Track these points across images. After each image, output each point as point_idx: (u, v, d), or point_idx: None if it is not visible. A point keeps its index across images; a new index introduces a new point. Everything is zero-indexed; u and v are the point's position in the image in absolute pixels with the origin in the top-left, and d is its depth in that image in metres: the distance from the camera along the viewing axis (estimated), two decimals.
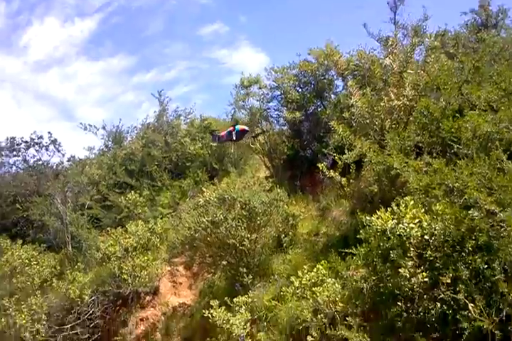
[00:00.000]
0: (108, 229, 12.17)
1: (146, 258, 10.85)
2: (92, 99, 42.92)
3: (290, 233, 9.44)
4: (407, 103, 8.89)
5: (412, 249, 5.09)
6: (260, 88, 13.87)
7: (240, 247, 8.65)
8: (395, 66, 9.63)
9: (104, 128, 18.70)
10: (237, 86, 14.02)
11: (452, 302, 4.38)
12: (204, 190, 10.25)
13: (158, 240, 11.57)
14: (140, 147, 16.96)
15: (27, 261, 11.57)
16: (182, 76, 42.67)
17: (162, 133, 17.22)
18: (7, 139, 16.41)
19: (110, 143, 18.95)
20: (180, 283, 11.07)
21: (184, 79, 44.62)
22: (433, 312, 4.48)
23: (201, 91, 40.37)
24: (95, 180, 16.22)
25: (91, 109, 39.36)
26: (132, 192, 14.22)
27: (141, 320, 10.53)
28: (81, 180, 15.48)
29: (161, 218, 13.22)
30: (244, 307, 7.14)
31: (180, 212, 11.69)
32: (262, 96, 13.72)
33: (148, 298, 10.91)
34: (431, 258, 4.91)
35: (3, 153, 16.72)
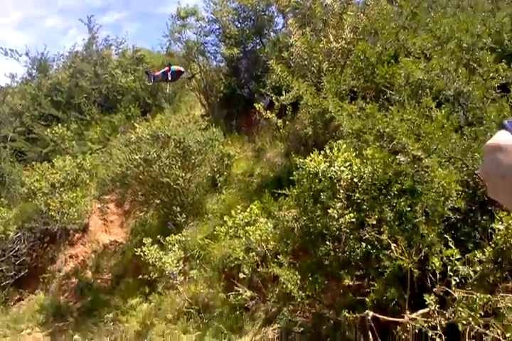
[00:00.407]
0: (33, 163, 11.63)
1: (74, 194, 10.59)
2: (12, 22, 39.15)
3: (225, 173, 9.49)
4: (345, 46, 8.85)
5: (341, 191, 5.27)
6: (198, 20, 13.21)
7: (174, 186, 8.62)
8: (335, 6, 9.47)
9: (27, 54, 17.22)
10: (173, 16, 13.29)
11: (376, 242, 4.67)
12: (136, 125, 9.96)
13: (87, 176, 11.28)
14: (67, 77, 15.93)
15: None
16: (113, 2, 39.69)
17: (91, 63, 16.19)
18: None
19: (34, 71, 17.59)
20: (111, 221, 10.99)
21: (115, 6, 41.52)
22: (358, 251, 4.76)
23: (133, 19, 38.01)
24: (18, 110, 15.23)
25: (11, 33, 36.00)
26: (59, 125, 13.53)
27: (71, 257, 10.45)
28: (2, 110, 14.57)
29: (90, 154, 12.78)
30: (177, 245, 7.24)
31: (110, 148, 11.32)
32: (200, 29, 13.12)
33: (77, 235, 10.78)
34: (358, 201, 5.13)
35: None
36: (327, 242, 5.02)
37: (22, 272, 10.38)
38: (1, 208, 10.63)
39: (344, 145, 5.73)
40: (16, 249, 10.34)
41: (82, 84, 15.32)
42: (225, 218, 6.67)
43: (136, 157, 8.72)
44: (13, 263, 10.28)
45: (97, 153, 12.98)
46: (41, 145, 13.73)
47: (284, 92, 8.62)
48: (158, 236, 7.44)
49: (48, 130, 13.36)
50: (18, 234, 10.41)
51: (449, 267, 4.00)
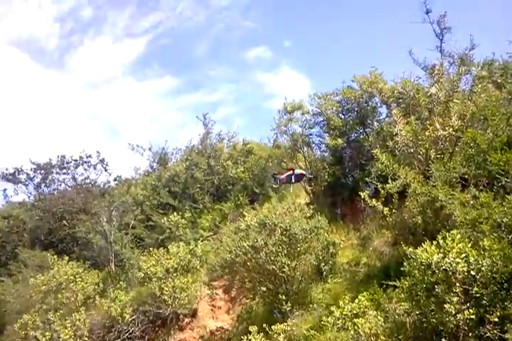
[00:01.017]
0: (150, 249, 12.41)
1: (186, 279, 11.02)
2: (137, 119, 44.41)
3: (330, 261, 9.37)
4: (453, 133, 8.77)
5: (457, 285, 4.98)
6: (303, 114, 14.03)
7: (280, 274, 8.65)
8: (440, 95, 9.56)
9: (150, 149, 19.35)
10: (280, 111, 14.27)
11: None
12: (245, 214, 10.36)
13: (198, 262, 11.74)
14: (184, 169, 17.38)
15: (72, 277, 11.95)
16: (225, 98, 43.69)
17: (205, 155, 17.62)
18: (58, 157, 17.24)
19: (155, 164, 19.54)
20: (219, 307, 11.13)
21: (227, 102, 45.61)
22: None
23: (242, 113, 41.16)
24: (139, 200, 16.70)
25: (136, 129, 40.68)
26: (175, 213, 14.53)
27: None
28: (126, 199, 15.99)
29: (202, 240, 13.40)
30: (282, 335, 7.11)
31: (220, 235, 11.85)
32: (305, 122, 13.89)
33: (186, 320, 11.02)
34: (477, 295, 4.79)
35: (53, 171, 17.53)
36: (443, 339, 4.66)
37: None
38: (119, 291, 11.29)
39: (458, 236, 5.48)
40: (131, 331, 10.78)
41: (197, 175, 16.58)
42: (332, 308, 6.51)
43: (245, 244, 9.00)
44: None
45: (208, 240, 13.58)
46: (158, 232, 14.73)
47: (389, 180, 8.57)
48: (264, 325, 7.37)
49: (165, 218, 14.38)
50: (133, 317, 10.90)
51: None
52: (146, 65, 47.74)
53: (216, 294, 11.18)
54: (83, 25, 47.30)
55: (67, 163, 17.33)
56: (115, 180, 18.48)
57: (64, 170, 17.52)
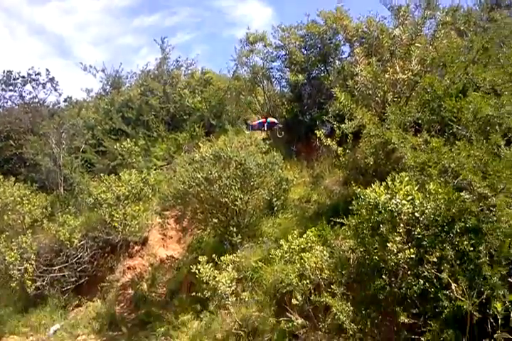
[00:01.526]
0: (101, 175, 12.27)
1: (137, 207, 11.06)
2: (89, 38, 41.77)
3: (282, 197, 9.60)
4: (412, 77, 8.83)
5: (401, 225, 5.23)
6: (265, 46, 13.65)
7: (232, 206, 8.82)
8: (403, 37, 9.48)
9: (103, 71, 18.48)
10: (241, 41, 13.81)
11: (435, 281, 4.58)
12: (200, 145, 10.30)
13: (150, 191, 11.74)
14: (138, 94, 16.82)
15: (19, 199, 11.72)
16: (184, 23, 41.56)
17: (161, 82, 17.00)
18: (4, 72, 16.13)
19: (108, 87, 18.77)
20: (170, 236, 11.34)
21: (186, 27, 43.46)
22: (415, 288, 4.68)
23: (202, 41, 39.49)
24: (91, 123, 16.21)
25: (88, 48, 38.41)
26: (128, 140, 14.24)
27: (129, 268, 10.85)
28: (77, 122, 15.46)
29: (155, 169, 13.33)
30: (231, 265, 7.37)
31: (174, 165, 11.77)
32: (266, 55, 13.56)
33: (136, 247, 11.21)
34: (419, 236, 5.06)
35: None
36: (383, 276, 4.98)
37: (82, 279, 10.90)
38: (68, 216, 11.22)
39: (407, 178, 5.68)
40: (79, 256, 10.87)
41: (152, 102, 16.08)
42: (281, 242, 6.74)
43: (199, 175, 9.02)
44: (75, 270, 10.80)
45: (161, 170, 13.51)
46: (110, 158, 14.49)
47: (346, 121, 8.65)
48: (214, 255, 7.59)
49: (117, 144, 14.08)
50: (82, 242, 10.96)
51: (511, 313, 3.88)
52: None
53: (167, 223, 11.34)
54: None
55: (13, 79, 16.20)
56: (65, 101, 17.66)
57: (10, 87, 16.42)
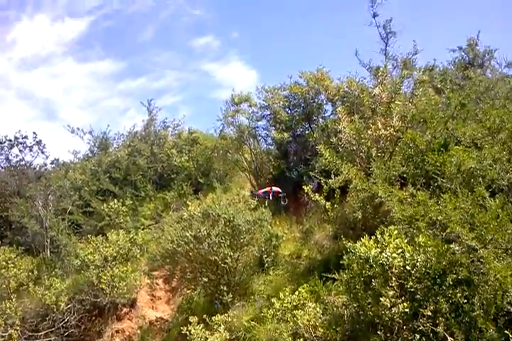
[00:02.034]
0: (88, 236, 12.04)
1: (125, 268, 10.80)
2: (76, 102, 42.63)
3: (272, 253, 9.52)
4: (394, 133, 9.15)
5: (393, 279, 5.21)
6: (250, 106, 14.14)
7: (222, 265, 8.70)
8: (383, 96, 9.94)
9: (90, 133, 18.73)
10: (227, 102, 14.28)
11: (431, 335, 4.52)
12: (188, 203, 10.31)
13: (138, 251, 11.54)
14: (126, 155, 16.97)
15: (4, 263, 11.36)
16: (170, 86, 42.77)
17: (149, 142, 17.29)
18: None
19: (96, 148, 18.93)
20: (159, 297, 11.03)
21: (172, 90, 44.66)
22: None
23: (188, 102, 40.50)
24: (78, 185, 16.15)
25: (75, 111, 39.11)
26: (115, 200, 14.16)
27: (117, 332, 10.43)
28: (64, 184, 15.39)
29: (143, 229, 13.21)
30: (223, 326, 7.17)
31: (162, 224, 11.69)
32: (252, 115, 14.02)
33: (125, 309, 10.84)
34: (412, 289, 5.04)
35: None
36: (379, 332, 4.90)
37: None
38: (55, 279, 10.89)
39: (395, 232, 5.73)
40: (66, 320, 10.43)
41: (139, 162, 16.25)
42: (273, 300, 6.64)
43: (187, 234, 8.96)
44: (62, 335, 10.33)
45: (149, 229, 13.40)
46: (97, 219, 14.32)
47: (332, 176, 8.82)
48: (205, 316, 7.40)
49: (105, 205, 13.97)
50: (69, 306, 10.55)
51: None
52: (88, 46, 45.64)
53: (156, 284, 11.05)
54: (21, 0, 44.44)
55: (0, 142, 16.35)
56: (52, 163, 17.63)
57: None
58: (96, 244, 11.20)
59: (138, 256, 11.44)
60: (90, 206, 14.98)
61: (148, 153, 16.71)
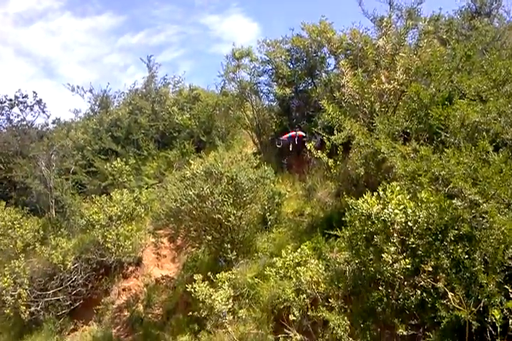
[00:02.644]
0: (92, 195, 12.16)
1: (130, 227, 10.94)
2: (75, 58, 41.92)
3: (275, 211, 9.56)
4: (398, 87, 8.92)
5: (395, 235, 5.20)
6: (251, 61, 13.76)
7: (226, 223, 8.74)
8: (387, 48, 9.62)
9: (91, 91, 18.50)
10: (227, 57, 13.90)
11: (432, 291, 4.54)
12: (191, 162, 10.26)
13: (142, 210, 11.65)
14: (127, 113, 16.82)
15: (10, 223, 11.54)
16: (170, 41, 41.88)
17: (150, 100, 17.06)
18: None
19: (97, 107, 18.77)
20: (164, 256, 11.22)
21: (172, 45, 43.79)
22: (413, 299, 4.65)
23: (189, 58, 39.78)
24: (80, 144, 16.15)
25: (75, 68, 38.52)
26: (118, 159, 14.18)
27: (124, 290, 10.69)
28: (66, 143, 15.35)
29: (147, 188, 13.27)
30: (227, 283, 7.25)
31: (166, 183, 11.69)
32: (253, 70, 13.67)
33: (131, 268, 11.06)
34: (413, 246, 5.03)
35: None
36: (380, 288, 4.94)
37: (77, 303, 10.69)
38: (61, 239, 11.05)
39: (398, 188, 5.67)
40: (73, 279, 10.68)
41: (141, 120, 16.09)
42: (276, 259, 6.68)
43: (190, 193, 8.94)
44: (70, 293, 10.60)
45: (153, 188, 13.44)
46: (100, 178, 14.40)
47: (335, 132, 8.67)
48: (209, 273, 7.47)
49: (108, 164, 14.01)
50: (76, 265, 10.77)
51: (510, 320, 3.83)
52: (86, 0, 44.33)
53: (161, 242, 11.23)
54: None
55: (0, 102, 16.14)
56: (54, 122, 17.52)
57: None
58: (100, 204, 11.29)
59: (142, 215, 11.56)
60: (93, 166, 15.03)
61: (150, 111, 16.52)
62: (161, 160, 15.03)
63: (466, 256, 4.60)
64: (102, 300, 10.63)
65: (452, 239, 4.86)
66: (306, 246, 6.57)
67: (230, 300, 7.09)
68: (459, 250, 4.67)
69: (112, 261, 10.66)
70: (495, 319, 3.91)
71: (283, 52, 12.91)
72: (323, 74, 12.63)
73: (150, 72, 17.74)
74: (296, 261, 6.31)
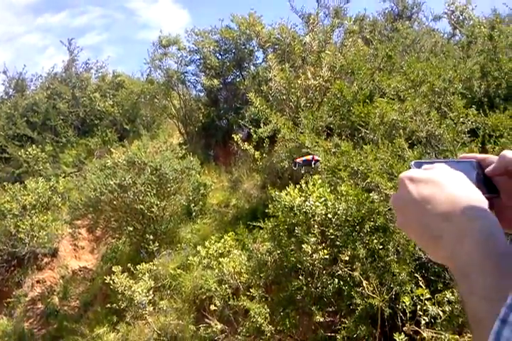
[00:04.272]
0: (4, 184, 11.45)
1: (45, 217, 10.44)
2: None
3: (200, 203, 9.51)
4: (323, 83, 9.19)
5: (316, 226, 5.37)
6: (179, 49, 13.53)
7: (148, 213, 8.59)
8: (314, 45, 9.88)
9: (5, 73, 17.28)
10: (154, 44, 13.57)
11: (348, 279, 4.75)
12: (113, 150, 9.97)
13: (59, 200, 11.14)
14: (44, 98, 15.90)
15: None
16: (93, 24, 40.09)
17: (70, 85, 16.24)
18: None
19: (11, 90, 17.57)
20: (82, 247, 10.81)
21: (95, 28, 41.93)
22: (331, 287, 4.83)
23: (113, 42, 38.31)
24: None
25: None
26: (33, 146, 13.43)
27: (38, 282, 10.17)
28: None
29: (64, 177, 12.66)
30: (148, 274, 7.16)
31: (85, 172, 11.27)
32: (181, 59, 13.44)
33: (46, 259, 10.54)
34: (332, 237, 5.24)
35: None
36: (300, 277, 5.09)
37: None
38: None
39: (319, 181, 5.86)
40: None
41: (60, 106, 15.31)
42: (199, 248, 6.68)
43: (111, 182, 8.69)
44: None
45: (71, 177, 12.87)
46: (14, 165, 13.57)
47: (262, 125, 8.79)
48: (129, 265, 7.32)
49: (22, 151, 13.23)
50: None
51: (419, 306, 4.11)
52: None
53: (79, 233, 10.79)
54: None
55: None
56: None
57: None
58: (13, 192, 10.68)
59: (59, 204, 11.05)
60: (6, 152, 14.09)
61: (70, 97, 15.74)
62: (80, 148, 14.40)
63: (381, 247, 4.86)
64: (14, 293, 10.06)
65: (368, 230, 5.11)
66: (229, 237, 6.62)
67: (151, 292, 7.01)
68: (375, 241, 4.92)
69: (26, 252, 10.10)
70: (405, 305, 4.16)
71: (212, 42, 12.81)
72: (252, 67, 12.73)
73: (71, 55, 16.91)
74: (220, 251, 6.34)
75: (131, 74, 16.84)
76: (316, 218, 5.43)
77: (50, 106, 15.41)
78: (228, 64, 12.68)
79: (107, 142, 13.99)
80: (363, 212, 5.33)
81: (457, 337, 3.97)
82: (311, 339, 5.13)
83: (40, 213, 10.54)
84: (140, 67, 19.39)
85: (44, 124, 15.06)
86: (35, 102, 15.73)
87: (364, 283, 4.49)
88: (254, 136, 8.83)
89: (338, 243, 5.16)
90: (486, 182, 0.81)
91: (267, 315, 5.27)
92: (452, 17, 12.16)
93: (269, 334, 5.21)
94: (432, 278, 4.67)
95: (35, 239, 10.11)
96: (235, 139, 8.86)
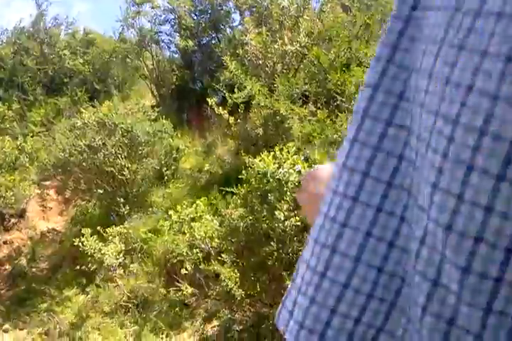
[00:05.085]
0: None
1: (12, 177, 10.20)
2: None
3: (173, 167, 9.42)
4: (300, 49, 9.07)
5: (288, 193, 5.45)
6: (153, 8, 13.02)
7: (119, 176, 8.50)
8: (292, 9, 9.68)
9: None
10: (127, 1, 13.00)
11: None
12: (83, 111, 9.72)
13: (27, 160, 10.85)
14: (11, 53, 15.16)
15: None
16: None
17: (38, 41, 15.49)
18: None
19: None
20: (51, 208, 10.64)
21: None
22: (300, 253, 4.96)
23: None
24: None
25: None
26: (0, 103, 12.95)
27: (5, 243, 10.03)
28: None
29: (32, 136, 12.29)
30: (118, 237, 7.16)
31: (54, 131, 10.96)
32: (155, 18, 12.97)
33: (13, 220, 10.36)
34: None
35: None
36: (271, 243, 5.18)
37: None
38: None
39: (293, 148, 5.88)
40: None
41: (27, 62, 14.65)
42: (170, 212, 6.69)
43: (81, 143, 8.55)
44: None
45: (40, 136, 12.49)
46: None
47: (237, 90, 8.66)
48: (99, 227, 7.29)
49: None
50: None
51: None
52: None
53: (47, 194, 10.59)
54: None
55: None
56: None
57: None
58: None
59: (27, 165, 10.77)
60: None
61: (38, 53, 15.05)
62: (49, 107, 13.91)
63: None
64: None
65: None
66: (201, 201, 6.64)
67: (121, 255, 7.03)
68: None
69: None
70: None
71: (187, 1, 12.38)
72: (228, 29, 12.41)
73: (39, 9, 16.03)
74: (191, 216, 6.37)
75: (103, 33, 16.14)
76: (289, 185, 5.48)
77: (17, 62, 14.75)
78: (204, 25, 12.32)
79: (76, 102, 13.52)
80: None
81: None
82: (281, 301, 5.27)
83: (7, 173, 10.29)
84: (112, 26, 18.68)
85: (11, 81, 14.44)
86: (1, 58, 15.01)
87: None
88: (229, 101, 8.69)
89: None
90: None
91: (238, 279, 5.38)
92: None
93: (239, 298, 5.34)
94: None
95: (2, 199, 9.88)
96: (210, 103, 8.72)
